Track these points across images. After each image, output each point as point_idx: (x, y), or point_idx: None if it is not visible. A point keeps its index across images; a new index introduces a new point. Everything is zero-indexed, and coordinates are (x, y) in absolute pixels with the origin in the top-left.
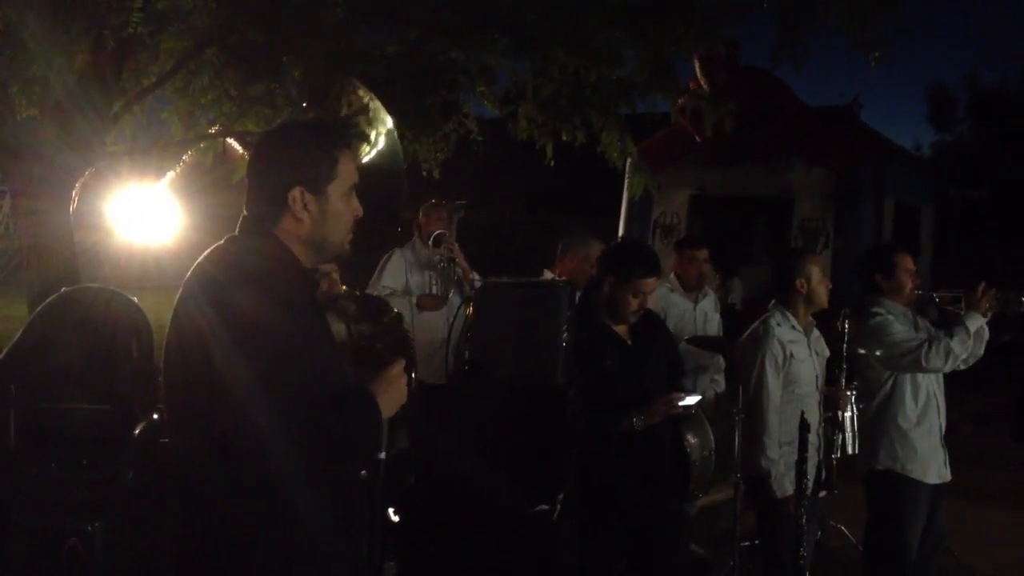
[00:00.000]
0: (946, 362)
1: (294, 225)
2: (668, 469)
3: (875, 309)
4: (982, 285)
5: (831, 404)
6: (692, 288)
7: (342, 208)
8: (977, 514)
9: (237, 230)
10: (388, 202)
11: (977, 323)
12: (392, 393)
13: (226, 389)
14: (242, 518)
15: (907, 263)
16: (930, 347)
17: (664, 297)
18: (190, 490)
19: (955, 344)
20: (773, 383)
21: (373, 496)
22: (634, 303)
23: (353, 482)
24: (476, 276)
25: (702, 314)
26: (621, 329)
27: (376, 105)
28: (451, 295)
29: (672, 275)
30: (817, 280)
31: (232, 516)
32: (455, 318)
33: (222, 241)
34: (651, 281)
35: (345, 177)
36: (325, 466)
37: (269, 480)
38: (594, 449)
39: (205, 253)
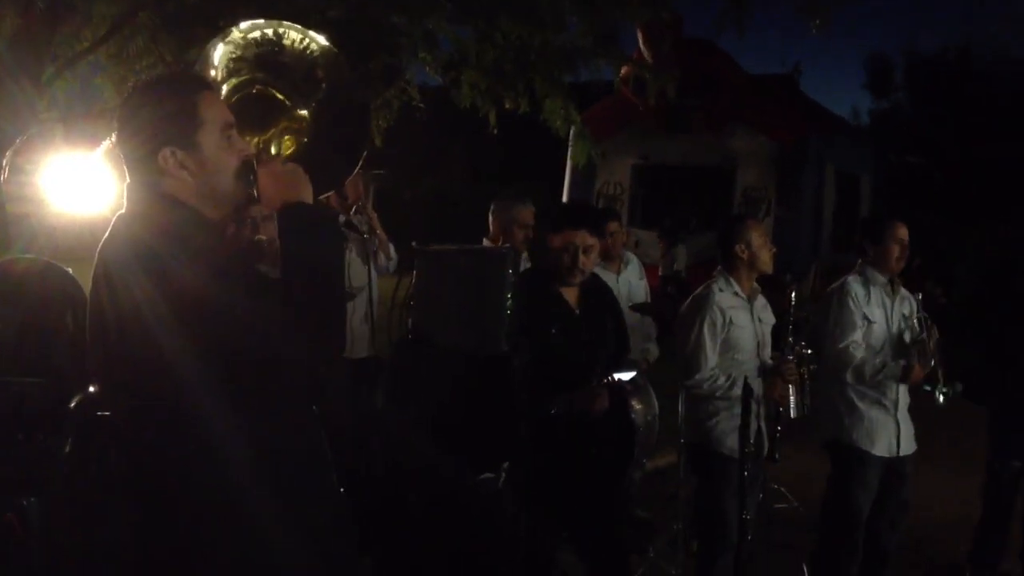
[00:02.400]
0: (843, 376)
1: (177, 186)
2: (614, 436)
3: (850, 276)
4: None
5: (773, 372)
6: (612, 259)
7: (221, 154)
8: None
9: (125, 199)
10: (356, 128)
11: (889, 377)
12: (292, 178)
13: (171, 364)
14: (186, 489)
15: (899, 232)
16: (845, 354)
17: None
18: (130, 463)
19: (849, 371)
20: (710, 347)
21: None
22: (566, 258)
23: (303, 453)
24: (392, 247)
25: (626, 284)
26: (571, 297)
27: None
28: (368, 266)
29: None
30: (758, 245)
31: (175, 487)
32: (396, 287)
33: (121, 216)
34: (580, 234)
35: (213, 120)
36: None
37: (214, 448)
38: (538, 418)
39: (116, 228)
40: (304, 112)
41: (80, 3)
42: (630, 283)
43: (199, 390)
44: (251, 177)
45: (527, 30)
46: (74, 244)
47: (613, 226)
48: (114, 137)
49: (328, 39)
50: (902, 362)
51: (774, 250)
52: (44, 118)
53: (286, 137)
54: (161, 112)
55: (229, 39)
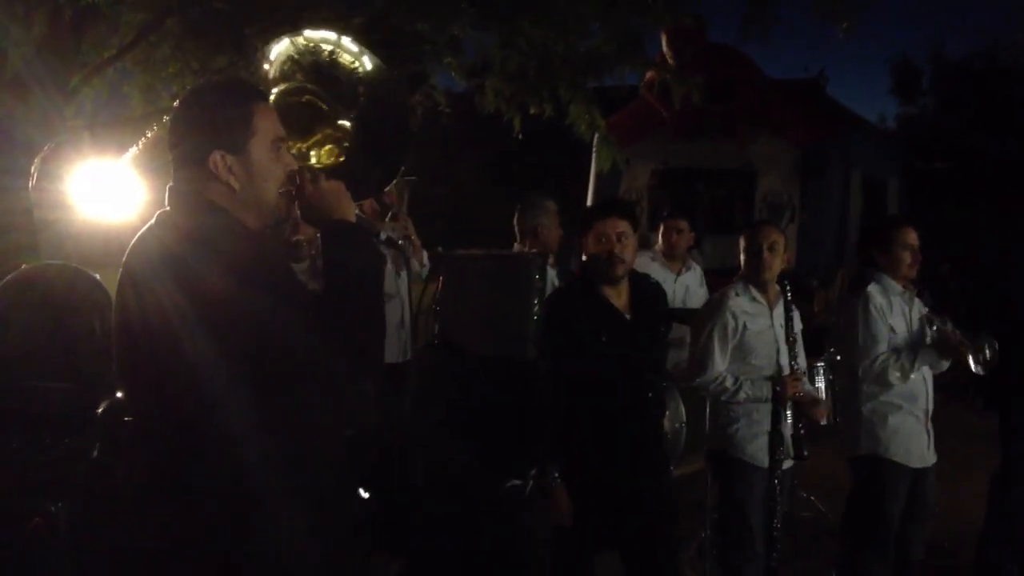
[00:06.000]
0: (877, 382)
1: (222, 191)
2: (649, 445)
3: (868, 288)
4: (957, 340)
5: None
6: (675, 259)
7: (269, 164)
8: (958, 483)
9: (167, 202)
10: (397, 134)
11: (927, 362)
12: (336, 196)
13: (197, 370)
14: (210, 493)
15: (906, 237)
16: (873, 364)
17: (644, 266)
18: (156, 470)
19: (892, 373)
20: (718, 351)
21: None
22: (602, 249)
23: (330, 457)
24: (426, 254)
25: (683, 287)
26: (619, 301)
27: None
28: (402, 273)
29: (657, 246)
30: (767, 251)
31: (199, 491)
32: (422, 293)
33: (163, 214)
34: (610, 221)
35: (265, 131)
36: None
37: (239, 469)
38: (571, 426)
39: (150, 229)
40: (346, 123)
41: (107, 10)
42: (687, 287)
43: (224, 395)
44: (293, 192)
45: (550, 36)
46: (101, 250)
47: (683, 224)
48: (167, 136)
49: (376, 58)
50: (932, 331)
51: (787, 259)
52: (71, 125)
53: (327, 146)
54: (218, 116)
55: (293, 40)
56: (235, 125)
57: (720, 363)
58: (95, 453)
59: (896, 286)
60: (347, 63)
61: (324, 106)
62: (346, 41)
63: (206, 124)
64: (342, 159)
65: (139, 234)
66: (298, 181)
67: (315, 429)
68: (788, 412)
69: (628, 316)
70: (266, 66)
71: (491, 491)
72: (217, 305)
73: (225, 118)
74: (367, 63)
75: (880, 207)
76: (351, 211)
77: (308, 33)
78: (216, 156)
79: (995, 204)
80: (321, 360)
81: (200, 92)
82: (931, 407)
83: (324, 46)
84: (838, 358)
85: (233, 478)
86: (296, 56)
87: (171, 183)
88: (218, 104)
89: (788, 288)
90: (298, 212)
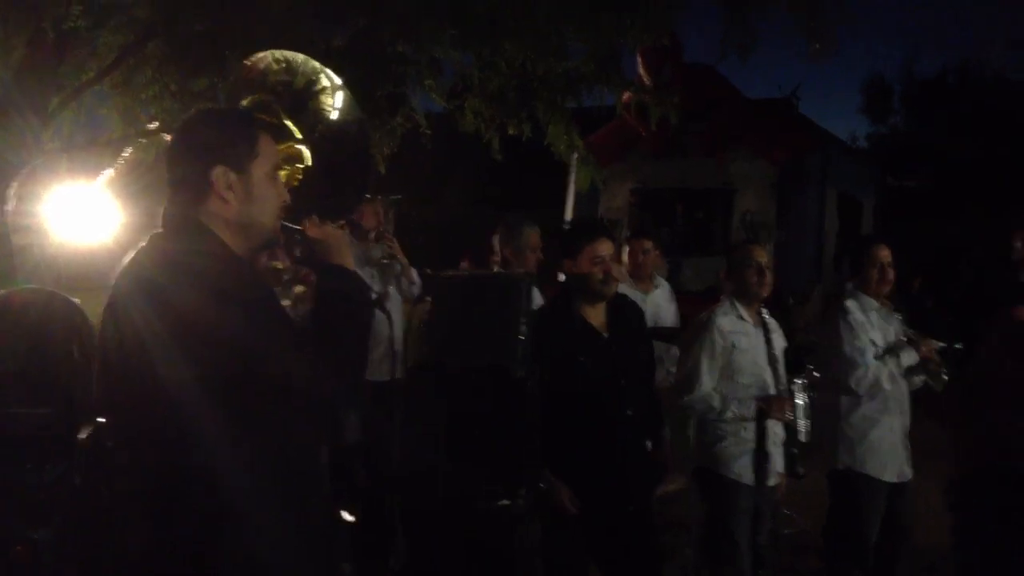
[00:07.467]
0: (870, 392)
1: (220, 206)
2: (631, 463)
3: (846, 303)
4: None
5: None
6: (643, 279)
7: (267, 189)
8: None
9: (162, 225)
10: (358, 167)
11: (910, 361)
12: (338, 243)
13: (175, 399)
14: (189, 513)
15: (879, 256)
16: (865, 375)
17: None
18: (139, 496)
19: (884, 379)
20: (706, 370)
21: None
22: (597, 271)
23: (312, 479)
24: (416, 273)
25: (654, 305)
26: (597, 321)
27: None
28: (391, 292)
29: (624, 267)
30: (766, 268)
31: (178, 511)
32: (411, 313)
33: (154, 236)
34: (602, 243)
35: (267, 156)
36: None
37: (219, 493)
38: (554, 445)
39: (138, 252)
40: (303, 148)
41: (86, 33)
42: (658, 304)
43: (205, 420)
44: (297, 237)
45: (529, 57)
46: (78, 273)
47: (647, 244)
48: (166, 156)
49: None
50: (905, 340)
51: (767, 278)
52: (49, 149)
53: (285, 168)
54: (224, 135)
55: (279, 59)
56: (240, 145)
57: (708, 382)
58: (78, 479)
59: (872, 302)
60: (324, 104)
61: (289, 128)
62: (341, 93)
63: (211, 142)
64: (300, 176)
65: (129, 256)
66: (305, 225)
67: (297, 452)
68: (780, 430)
69: (606, 335)
70: (269, 59)
71: (481, 510)
72: (196, 328)
73: (231, 137)
74: (335, 116)
75: (855, 224)
76: (350, 259)
77: (328, 71)
78: (219, 170)
79: (977, 215)
80: (305, 384)
81: (205, 115)
82: (908, 422)
83: (324, 81)
84: (816, 375)
85: (216, 504)
86: (297, 68)
87: (165, 205)
88: (224, 125)
89: (764, 308)
90: (280, 236)
